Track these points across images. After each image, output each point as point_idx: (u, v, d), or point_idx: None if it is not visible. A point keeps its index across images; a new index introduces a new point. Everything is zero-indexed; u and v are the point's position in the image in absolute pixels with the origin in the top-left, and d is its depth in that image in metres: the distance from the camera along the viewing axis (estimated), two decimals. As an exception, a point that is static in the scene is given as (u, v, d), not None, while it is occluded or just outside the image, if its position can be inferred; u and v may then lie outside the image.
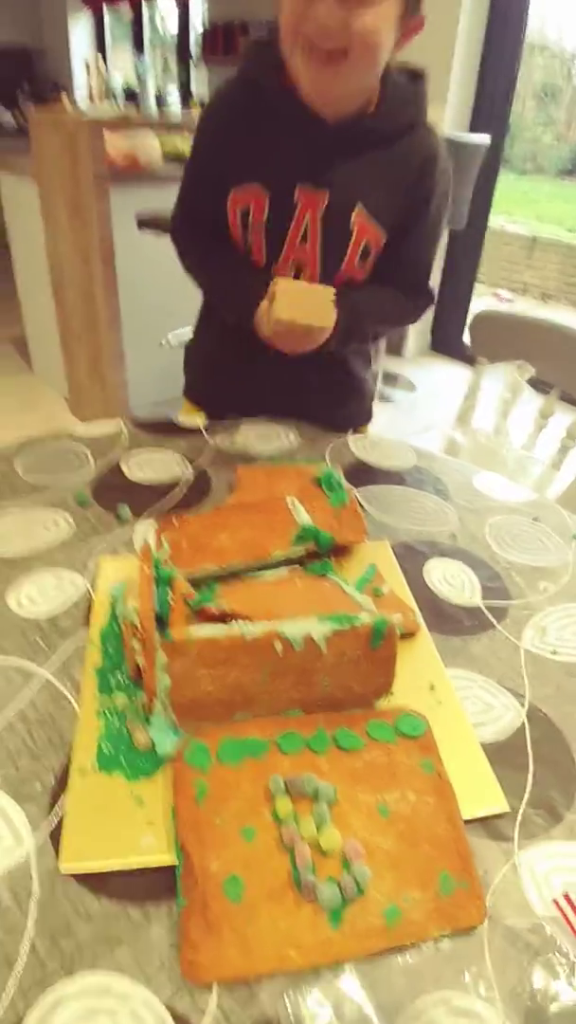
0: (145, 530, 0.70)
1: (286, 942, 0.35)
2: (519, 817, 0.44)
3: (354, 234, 0.85)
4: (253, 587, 0.59)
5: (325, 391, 0.99)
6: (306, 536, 0.62)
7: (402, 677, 0.52)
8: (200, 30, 4.14)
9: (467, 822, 0.42)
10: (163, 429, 0.90)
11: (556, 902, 0.39)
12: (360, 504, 0.76)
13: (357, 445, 0.90)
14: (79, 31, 5.06)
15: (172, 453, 0.85)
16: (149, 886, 0.39)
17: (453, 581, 0.65)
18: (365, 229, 0.86)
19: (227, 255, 0.90)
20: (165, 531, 0.66)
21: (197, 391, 1.08)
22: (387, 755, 0.44)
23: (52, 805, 0.43)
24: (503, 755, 0.47)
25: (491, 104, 2.93)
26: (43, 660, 0.54)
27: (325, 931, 0.36)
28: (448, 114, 2.94)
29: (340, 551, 0.66)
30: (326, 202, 0.84)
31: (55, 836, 0.41)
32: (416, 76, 0.86)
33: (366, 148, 0.84)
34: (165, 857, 0.40)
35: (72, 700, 0.51)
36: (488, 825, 0.43)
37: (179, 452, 0.85)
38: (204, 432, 0.91)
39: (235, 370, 0.98)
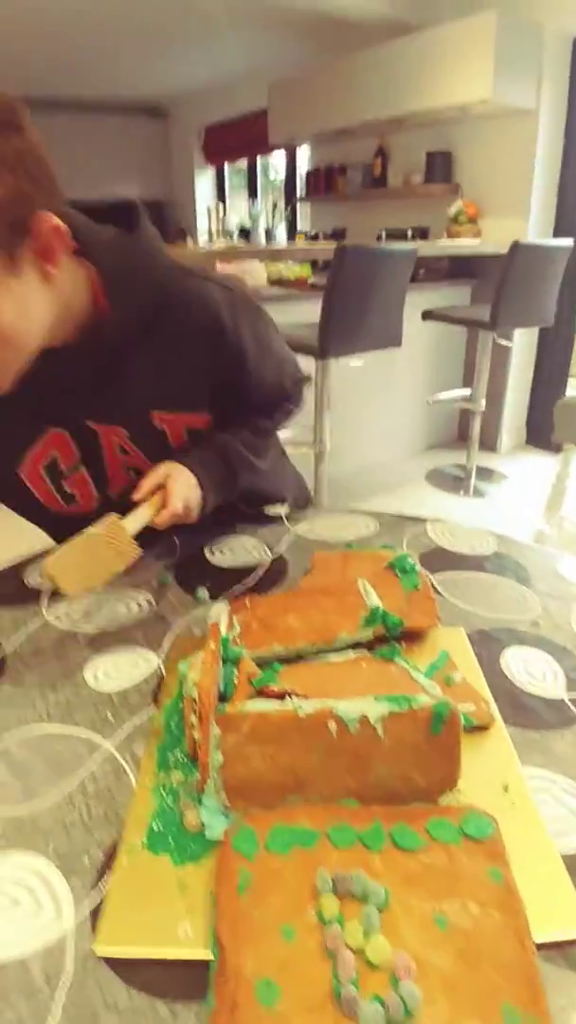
0: (219, 611, 0.71)
1: (321, 1064, 0.31)
2: (603, 945, 0.37)
3: (168, 432, 0.76)
4: (317, 669, 0.57)
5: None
6: (374, 619, 0.61)
7: (472, 773, 0.48)
8: (304, 173, 4.65)
9: (540, 946, 0.36)
10: (248, 519, 0.94)
11: None
12: (436, 589, 0.74)
13: (436, 531, 0.89)
14: (203, 184, 6.00)
15: (254, 540, 0.88)
16: (181, 981, 0.36)
17: (534, 671, 0.60)
18: (176, 422, 0.76)
19: None
20: (237, 612, 0.67)
21: None
22: (449, 858, 0.40)
23: (97, 881, 0.42)
24: (587, 871, 0.41)
25: (572, 210, 3.06)
26: (109, 733, 0.55)
27: (366, 1057, 0.32)
28: (531, 224, 3.09)
29: (412, 637, 0.64)
30: (122, 426, 0.75)
31: (95, 914, 0.40)
32: (130, 225, 0.69)
33: (122, 353, 0.70)
34: (200, 952, 0.37)
35: (131, 775, 0.51)
36: (566, 952, 0.37)
37: (260, 539, 0.88)
38: (285, 520, 0.94)
39: None
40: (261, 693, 0.53)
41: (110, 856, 0.44)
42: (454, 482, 3.03)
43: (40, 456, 0.75)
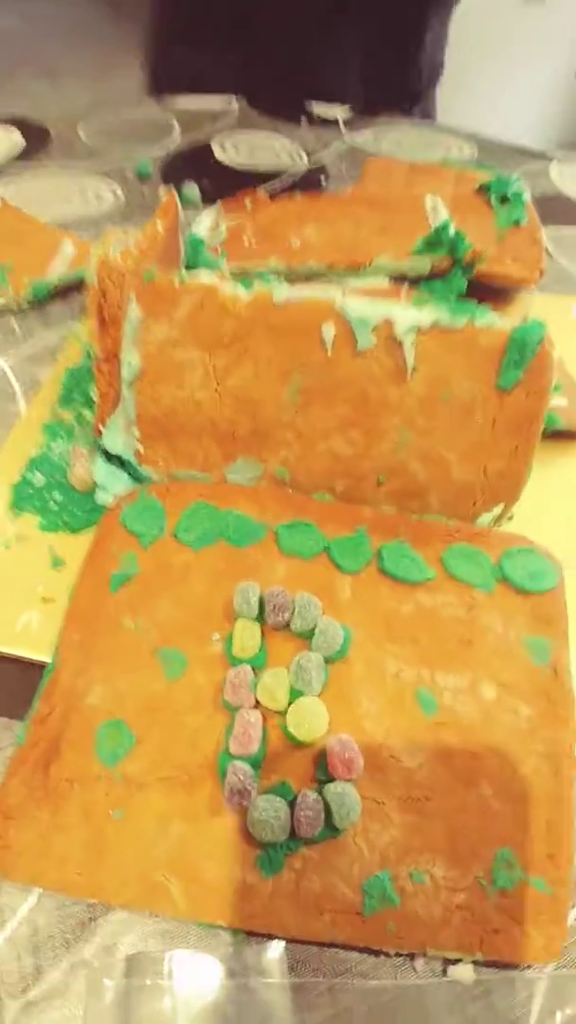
0: (209, 218, 0.48)
1: (171, 867, 0.19)
2: None
3: None
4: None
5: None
6: (437, 243, 0.37)
7: (544, 490, 0.29)
8: None
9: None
10: (290, 116, 0.63)
11: None
12: (544, 249, 0.48)
13: (563, 172, 0.59)
14: None
15: (288, 142, 0.60)
16: (12, 687, 0.23)
17: None
18: None
19: None
20: (229, 212, 0.44)
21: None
22: (467, 609, 0.23)
23: None
24: None
25: None
26: (10, 347, 0.38)
27: (247, 875, 0.19)
28: None
29: (493, 295, 0.41)
30: None
31: None
32: None
33: None
34: (40, 652, 0.24)
35: (22, 404, 0.34)
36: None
37: (298, 142, 0.60)
38: (342, 125, 0.63)
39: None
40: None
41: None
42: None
43: None
